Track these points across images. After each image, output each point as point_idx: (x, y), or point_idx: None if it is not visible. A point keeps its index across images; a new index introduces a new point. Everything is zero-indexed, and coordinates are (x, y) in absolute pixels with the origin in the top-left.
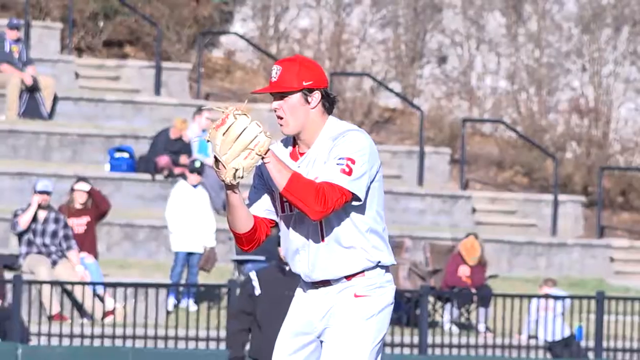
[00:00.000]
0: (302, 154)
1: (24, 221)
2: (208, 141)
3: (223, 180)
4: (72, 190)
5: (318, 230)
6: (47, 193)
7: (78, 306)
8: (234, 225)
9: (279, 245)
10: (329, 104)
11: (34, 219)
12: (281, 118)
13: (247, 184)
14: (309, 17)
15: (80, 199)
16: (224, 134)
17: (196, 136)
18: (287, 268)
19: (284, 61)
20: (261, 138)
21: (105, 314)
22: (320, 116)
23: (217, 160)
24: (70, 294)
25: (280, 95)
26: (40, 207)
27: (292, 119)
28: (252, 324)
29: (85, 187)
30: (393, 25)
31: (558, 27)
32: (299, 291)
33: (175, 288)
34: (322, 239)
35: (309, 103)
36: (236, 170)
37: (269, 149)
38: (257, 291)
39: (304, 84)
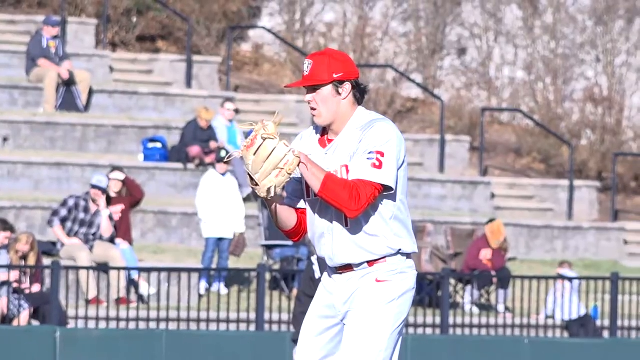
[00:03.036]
0: (330, 141)
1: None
2: (241, 157)
3: (258, 196)
4: (108, 179)
5: (342, 216)
6: (100, 188)
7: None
8: (280, 226)
9: None
10: (360, 94)
11: (75, 207)
12: (314, 109)
13: None
14: (333, 12)
15: (115, 188)
16: (254, 153)
17: (223, 126)
18: None
19: (315, 55)
20: (290, 157)
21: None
22: (351, 106)
23: (251, 178)
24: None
25: (313, 88)
26: (93, 200)
27: (324, 110)
28: None
29: (120, 176)
30: (414, 19)
31: (573, 19)
32: (324, 276)
33: (206, 272)
34: (346, 225)
35: (340, 94)
36: (269, 188)
37: (299, 163)
38: (318, 274)
39: (334, 76)
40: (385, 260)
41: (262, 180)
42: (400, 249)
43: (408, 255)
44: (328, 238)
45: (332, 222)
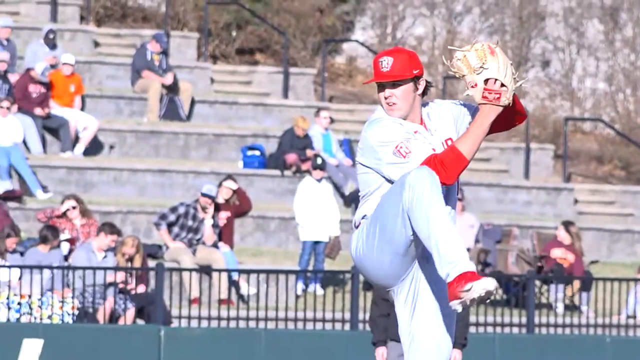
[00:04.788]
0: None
1: (163, 237)
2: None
3: (497, 105)
4: (220, 185)
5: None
6: (210, 197)
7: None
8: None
9: None
10: (427, 89)
11: (184, 215)
12: (394, 104)
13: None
14: (423, 26)
15: (225, 195)
16: (489, 63)
17: (319, 134)
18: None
19: (393, 52)
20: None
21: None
22: (420, 100)
23: (501, 84)
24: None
25: (392, 84)
26: (202, 208)
27: (404, 104)
28: (391, 308)
29: (233, 185)
30: (500, 33)
31: None
32: None
33: (303, 274)
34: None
35: (417, 89)
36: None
37: None
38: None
39: (414, 72)
40: None
41: (510, 83)
42: None
43: None
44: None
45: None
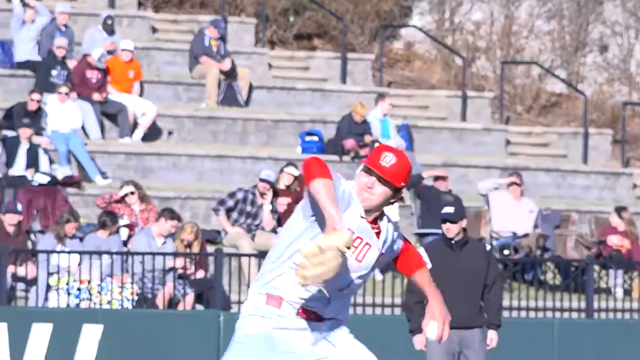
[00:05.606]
0: (374, 227)
1: (222, 223)
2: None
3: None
4: (281, 171)
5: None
6: (268, 182)
7: None
8: None
9: (443, 222)
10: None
11: (242, 200)
12: (371, 195)
13: None
14: (481, 11)
15: (286, 181)
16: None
17: (377, 120)
18: (454, 241)
19: (398, 155)
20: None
21: None
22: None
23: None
24: None
25: (380, 179)
26: (261, 194)
27: (377, 202)
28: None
29: (295, 172)
30: (558, 17)
31: None
32: None
33: None
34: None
35: (393, 199)
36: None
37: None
38: (429, 265)
39: (402, 184)
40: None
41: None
42: None
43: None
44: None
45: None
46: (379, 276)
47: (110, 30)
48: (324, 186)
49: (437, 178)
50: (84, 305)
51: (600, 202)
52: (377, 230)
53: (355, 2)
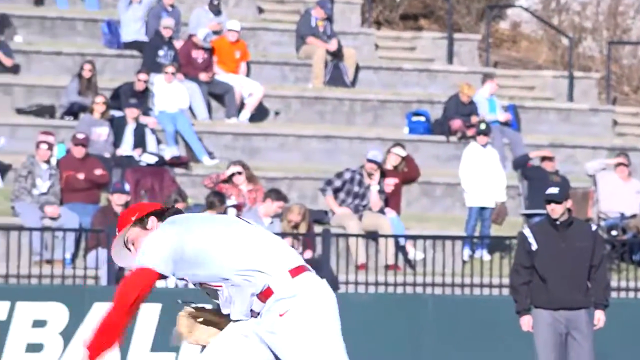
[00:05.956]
0: None
1: (329, 203)
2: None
3: None
4: (388, 152)
5: None
6: (376, 162)
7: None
8: None
9: (547, 202)
10: None
11: (350, 180)
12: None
13: None
14: None
15: (393, 162)
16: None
17: (485, 99)
18: (559, 221)
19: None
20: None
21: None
22: None
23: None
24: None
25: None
26: (368, 174)
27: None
28: (532, 276)
29: (402, 152)
30: None
31: None
32: None
33: (469, 240)
34: None
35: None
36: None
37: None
38: (534, 246)
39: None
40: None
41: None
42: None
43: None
44: None
45: None
46: (486, 256)
47: (216, 11)
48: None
49: (543, 159)
50: (192, 285)
51: None
52: None
53: None
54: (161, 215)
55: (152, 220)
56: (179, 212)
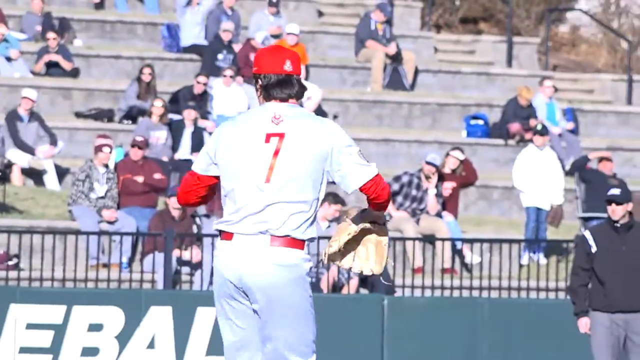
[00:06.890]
0: None
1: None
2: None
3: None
4: (446, 155)
5: None
6: (434, 165)
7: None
8: None
9: (608, 203)
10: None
11: (408, 184)
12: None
13: None
14: None
15: (451, 165)
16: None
17: (543, 103)
18: (619, 224)
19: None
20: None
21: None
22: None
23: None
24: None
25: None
26: (426, 177)
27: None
28: (591, 278)
29: (460, 156)
30: None
31: None
32: None
33: (528, 243)
34: None
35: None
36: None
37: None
38: (594, 249)
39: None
40: None
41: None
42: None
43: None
44: None
45: None
46: (542, 260)
47: (276, 14)
48: None
49: (601, 159)
50: None
51: None
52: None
53: None
54: None
55: None
56: None
